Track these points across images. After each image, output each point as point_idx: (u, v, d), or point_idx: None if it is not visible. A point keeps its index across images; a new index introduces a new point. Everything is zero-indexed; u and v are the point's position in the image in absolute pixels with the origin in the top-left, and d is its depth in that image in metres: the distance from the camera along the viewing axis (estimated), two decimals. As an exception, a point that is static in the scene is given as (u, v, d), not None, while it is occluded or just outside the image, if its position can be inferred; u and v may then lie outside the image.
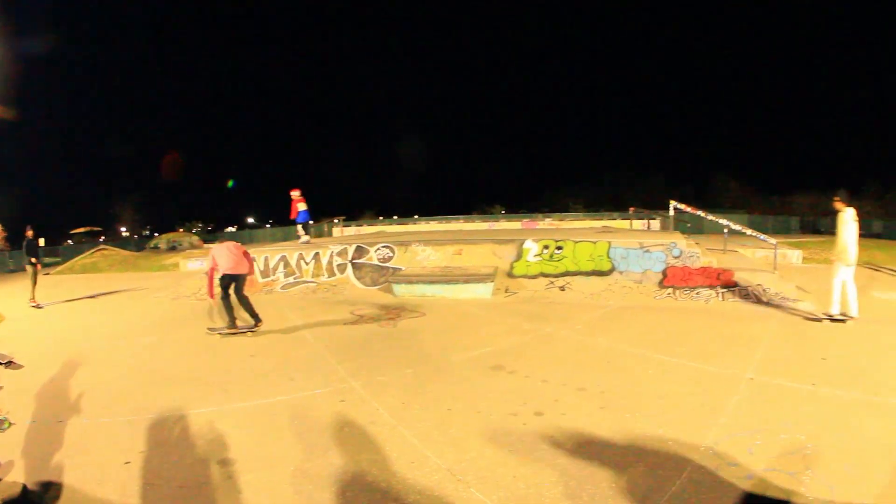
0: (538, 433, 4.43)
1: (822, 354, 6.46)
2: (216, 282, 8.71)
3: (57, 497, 3.94)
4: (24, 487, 4.06)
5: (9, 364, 7.64)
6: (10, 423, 5.40)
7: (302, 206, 16.41)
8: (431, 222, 34.03)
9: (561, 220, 30.37)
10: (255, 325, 8.79)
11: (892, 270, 15.10)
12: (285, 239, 29.14)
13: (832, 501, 3.29)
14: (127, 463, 4.33)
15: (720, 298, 10.00)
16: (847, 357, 6.38)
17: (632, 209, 22.06)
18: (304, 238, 16.40)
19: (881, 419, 4.54)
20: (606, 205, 54.76)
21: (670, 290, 10.65)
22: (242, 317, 8.73)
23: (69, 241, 54.59)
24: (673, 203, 15.47)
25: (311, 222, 17.34)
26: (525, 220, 31.74)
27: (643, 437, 4.25)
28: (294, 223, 16.76)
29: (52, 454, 4.66)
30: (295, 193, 16.43)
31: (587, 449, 4.09)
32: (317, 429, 4.76)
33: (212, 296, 8.82)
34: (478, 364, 6.49)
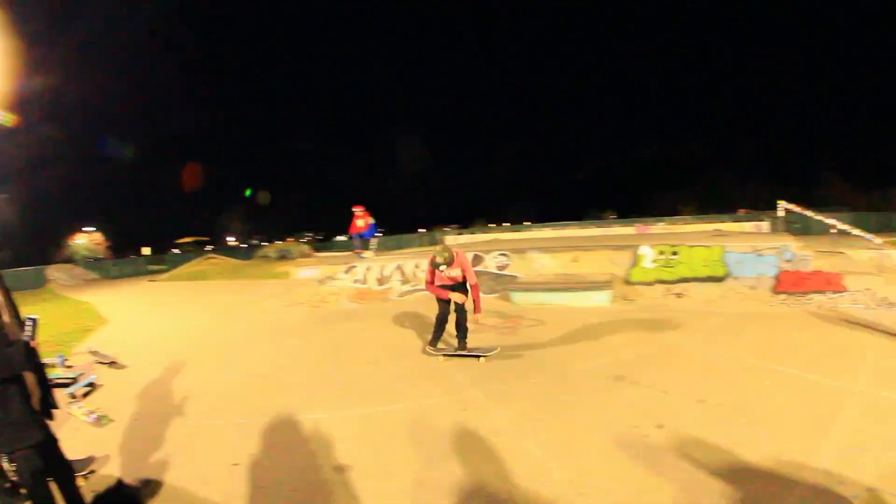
0: (660, 446, 4.26)
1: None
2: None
3: (154, 494, 3.95)
4: (119, 481, 4.09)
5: (112, 364, 7.91)
6: (110, 420, 5.55)
7: (361, 223, 15.71)
8: (545, 229, 33.44)
9: (673, 223, 29.18)
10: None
11: None
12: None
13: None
14: (235, 465, 4.31)
15: (831, 305, 9.49)
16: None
17: (742, 211, 20.93)
18: (366, 254, 15.81)
19: None
20: (715, 207, 52.68)
21: (784, 295, 10.08)
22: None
23: (174, 251, 56.98)
24: (782, 203, 14.56)
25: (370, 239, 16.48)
26: (638, 224, 30.54)
27: (759, 451, 4.08)
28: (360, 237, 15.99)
29: (153, 452, 4.73)
30: (358, 210, 15.82)
31: (706, 463, 3.94)
32: (437, 438, 4.64)
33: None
34: (600, 374, 6.27)
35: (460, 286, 7.23)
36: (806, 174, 58.10)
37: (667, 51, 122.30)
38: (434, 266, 7.10)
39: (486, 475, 3.88)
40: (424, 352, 7.61)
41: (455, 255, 7.08)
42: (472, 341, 7.53)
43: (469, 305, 7.18)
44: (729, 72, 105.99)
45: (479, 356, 7.11)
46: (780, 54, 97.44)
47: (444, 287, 7.19)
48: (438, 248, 7.36)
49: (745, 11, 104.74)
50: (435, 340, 7.48)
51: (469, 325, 7.27)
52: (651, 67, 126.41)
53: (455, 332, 7.35)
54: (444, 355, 7.34)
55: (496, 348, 7.29)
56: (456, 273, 7.14)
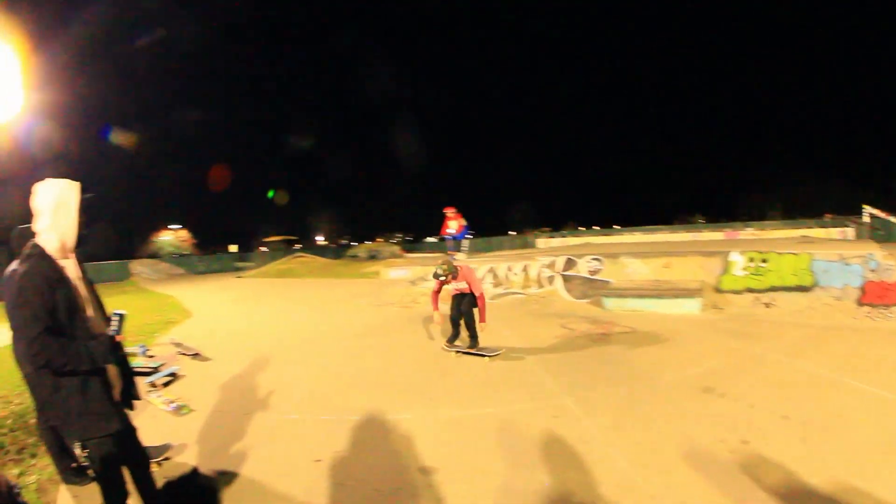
0: (742, 463, 4.15)
1: None
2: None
3: (230, 484, 4.02)
4: (194, 470, 4.21)
5: (195, 356, 8.18)
6: (190, 410, 5.75)
7: (454, 224, 15.85)
8: (635, 233, 33.45)
9: (761, 229, 28.43)
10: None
11: None
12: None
13: None
14: (317, 461, 4.36)
15: (914, 319, 9.16)
16: None
17: (828, 216, 20.12)
18: (459, 255, 15.84)
19: None
20: (800, 210, 50.81)
21: (868, 308, 9.71)
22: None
23: (262, 249, 58.24)
24: (868, 209, 13.83)
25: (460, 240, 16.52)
26: (727, 229, 29.99)
27: (833, 473, 3.96)
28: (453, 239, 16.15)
29: (232, 443, 4.83)
30: (450, 211, 16.01)
31: (785, 486, 3.84)
32: (525, 444, 4.61)
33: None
34: (689, 385, 6.19)
35: (469, 297, 7.85)
36: (889, 176, 55.58)
37: (756, 54, 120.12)
38: (435, 277, 7.88)
39: (571, 485, 3.84)
40: (442, 348, 8.18)
41: (460, 269, 7.88)
42: (561, 346, 8.29)
43: (474, 312, 7.92)
44: (820, 74, 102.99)
45: (484, 355, 7.60)
46: (863, 59, 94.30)
47: (453, 297, 8.06)
48: (440, 261, 8.24)
49: (826, 13, 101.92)
50: (452, 339, 8.18)
51: (477, 328, 7.87)
52: (744, 68, 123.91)
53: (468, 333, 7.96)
54: (457, 352, 7.91)
55: (501, 349, 7.77)
56: (462, 285, 7.89)
